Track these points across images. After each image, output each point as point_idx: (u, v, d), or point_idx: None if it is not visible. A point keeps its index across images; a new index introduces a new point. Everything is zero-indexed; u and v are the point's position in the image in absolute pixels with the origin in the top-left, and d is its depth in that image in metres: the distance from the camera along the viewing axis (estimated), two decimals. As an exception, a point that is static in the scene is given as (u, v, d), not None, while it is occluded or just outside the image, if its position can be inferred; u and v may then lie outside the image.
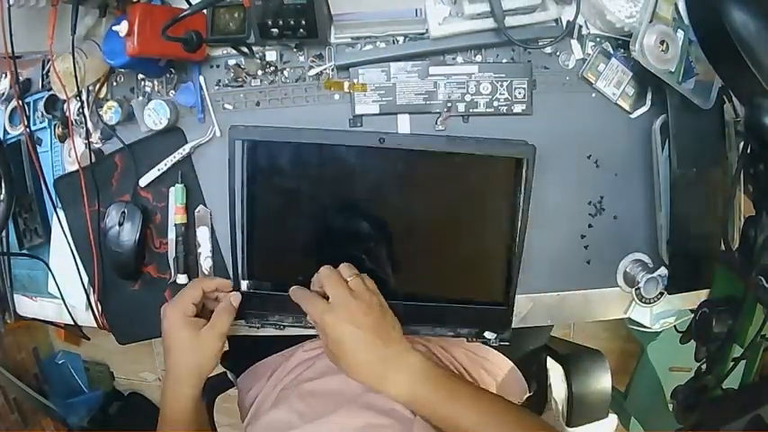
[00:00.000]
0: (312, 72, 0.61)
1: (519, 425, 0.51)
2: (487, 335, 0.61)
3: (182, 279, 0.64)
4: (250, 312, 0.62)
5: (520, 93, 0.60)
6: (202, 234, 0.64)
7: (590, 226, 0.63)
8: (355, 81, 0.60)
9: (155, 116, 0.61)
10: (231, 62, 0.62)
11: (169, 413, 0.58)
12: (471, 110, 0.61)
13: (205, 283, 0.60)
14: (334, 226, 0.61)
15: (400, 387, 0.52)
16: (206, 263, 0.64)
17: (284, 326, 0.63)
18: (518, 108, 0.61)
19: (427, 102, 0.60)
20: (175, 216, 0.63)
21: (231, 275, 0.64)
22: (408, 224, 0.61)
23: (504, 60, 0.61)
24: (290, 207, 0.61)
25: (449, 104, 0.60)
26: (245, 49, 0.60)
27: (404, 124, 0.62)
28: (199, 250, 0.64)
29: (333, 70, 0.61)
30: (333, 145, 0.58)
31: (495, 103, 0.60)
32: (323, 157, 0.59)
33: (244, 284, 0.62)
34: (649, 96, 0.61)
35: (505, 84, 0.60)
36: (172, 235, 0.64)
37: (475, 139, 0.58)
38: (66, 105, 0.66)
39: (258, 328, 0.63)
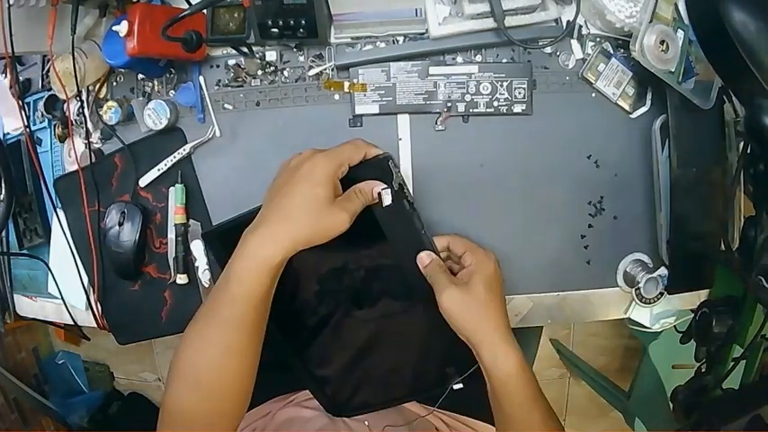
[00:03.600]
0: (312, 72, 0.61)
1: None
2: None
3: (181, 279, 0.64)
4: None
5: (520, 93, 0.60)
6: (197, 248, 0.64)
7: (590, 226, 0.63)
8: (355, 81, 0.60)
9: (155, 116, 0.61)
10: (231, 62, 0.62)
11: (239, 278, 0.45)
12: (471, 110, 0.61)
13: (368, 149, 0.49)
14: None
15: (512, 354, 0.49)
16: (204, 275, 0.64)
17: None
18: (518, 108, 0.61)
19: (427, 102, 0.60)
20: (175, 216, 0.63)
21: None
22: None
23: (504, 60, 0.61)
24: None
25: (449, 104, 0.60)
26: (245, 49, 0.60)
27: (404, 124, 0.62)
28: (196, 264, 0.64)
29: (333, 70, 0.61)
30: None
31: (495, 103, 0.60)
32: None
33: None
34: (649, 96, 0.61)
35: (505, 84, 0.60)
36: (171, 235, 0.64)
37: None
38: (66, 105, 0.66)
39: None
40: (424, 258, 0.52)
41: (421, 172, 0.62)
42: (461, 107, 0.60)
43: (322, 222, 0.45)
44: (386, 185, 0.49)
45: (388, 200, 0.49)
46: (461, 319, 0.50)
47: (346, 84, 0.60)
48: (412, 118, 0.62)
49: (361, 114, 0.61)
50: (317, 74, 0.61)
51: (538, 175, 0.62)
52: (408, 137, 0.62)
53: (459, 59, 0.61)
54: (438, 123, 0.61)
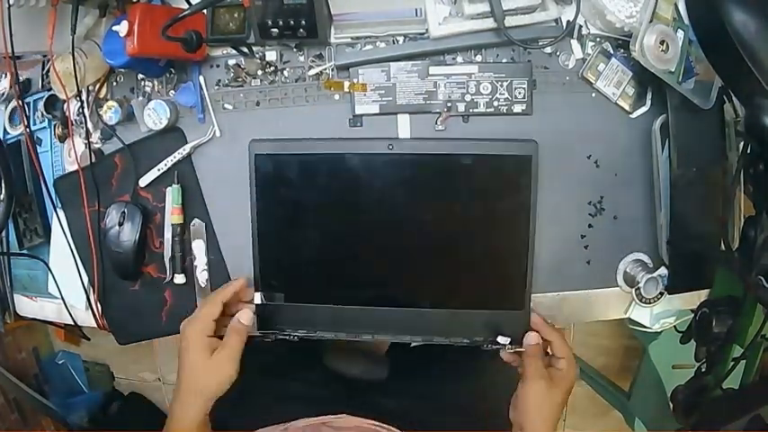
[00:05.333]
0: (312, 72, 0.61)
1: None
2: (501, 340, 0.59)
3: (179, 279, 0.64)
4: (264, 327, 0.62)
5: (520, 93, 0.60)
6: (198, 247, 0.64)
7: (590, 226, 0.63)
8: (355, 81, 0.60)
9: (155, 116, 0.61)
10: (231, 62, 0.62)
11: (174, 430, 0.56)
12: (471, 110, 0.61)
13: (222, 294, 0.59)
14: (347, 236, 0.61)
15: None
16: (202, 276, 0.64)
17: (297, 336, 0.62)
18: (518, 108, 0.61)
19: (427, 102, 0.60)
20: (172, 216, 0.63)
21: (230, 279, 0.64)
22: (420, 231, 0.60)
23: (504, 60, 0.61)
24: (307, 218, 0.61)
25: (449, 104, 0.60)
26: (245, 49, 0.60)
27: (404, 124, 0.62)
28: (195, 263, 0.64)
29: (333, 70, 0.61)
30: (344, 154, 0.58)
31: (495, 103, 0.60)
32: (337, 168, 0.59)
33: (257, 296, 0.61)
34: (649, 96, 0.61)
35: (505, 84, 0.60)
36: (168, 235, 0.64)
37: (480, 140, 0.58)
38: (66, 105, 0.66)
39: (272, 340, 0.62)
40: (532, 338, 0.58)
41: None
42: (461, 107, 0.60)
43: (211, 380, 0.55)
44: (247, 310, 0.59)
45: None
46: (534, 411, 0.55)
47: (346, 84, 0.60)
48: (412, 118, 0.61)
49: (361, 114, 0.61)
50: (317, 74, 0.61)
51: (538, 174, 0.62)
52: (408, 137, 0.62)
53: (460, 59, 0.61)
54: (438, 123, 0.61)
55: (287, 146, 0.59)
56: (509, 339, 0.59)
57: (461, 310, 0.61)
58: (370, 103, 0.61)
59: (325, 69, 0.61)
